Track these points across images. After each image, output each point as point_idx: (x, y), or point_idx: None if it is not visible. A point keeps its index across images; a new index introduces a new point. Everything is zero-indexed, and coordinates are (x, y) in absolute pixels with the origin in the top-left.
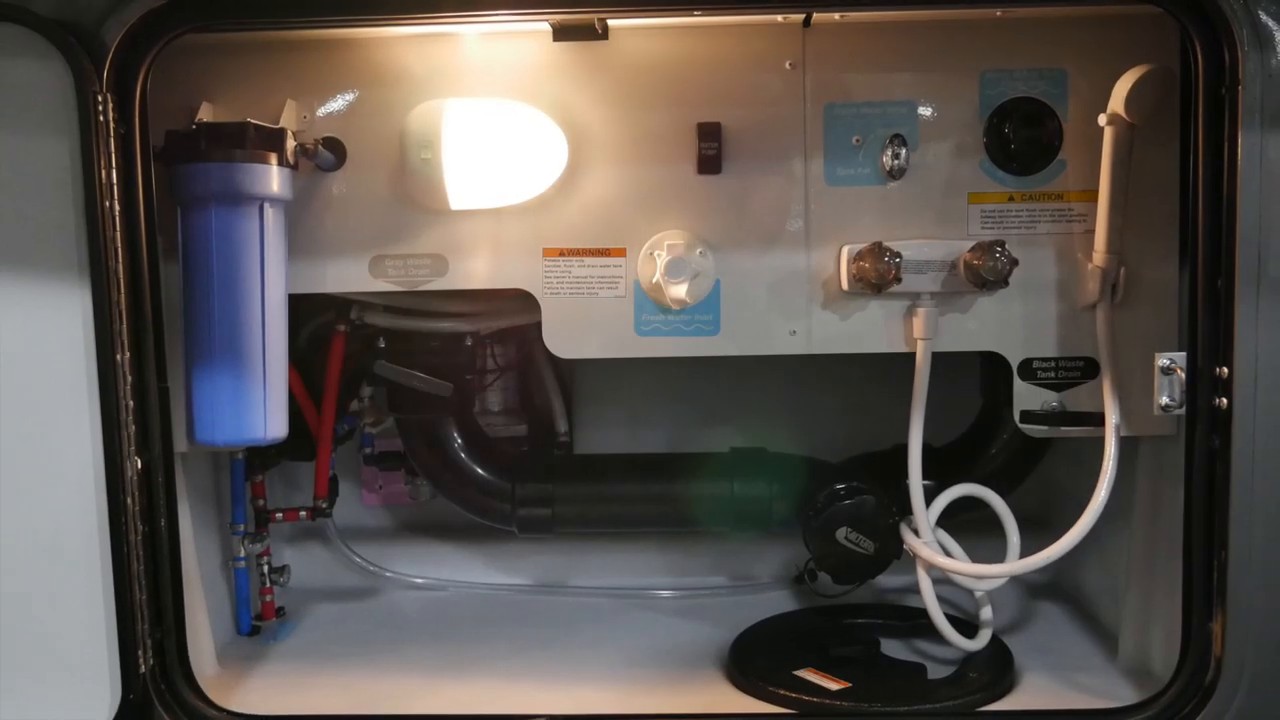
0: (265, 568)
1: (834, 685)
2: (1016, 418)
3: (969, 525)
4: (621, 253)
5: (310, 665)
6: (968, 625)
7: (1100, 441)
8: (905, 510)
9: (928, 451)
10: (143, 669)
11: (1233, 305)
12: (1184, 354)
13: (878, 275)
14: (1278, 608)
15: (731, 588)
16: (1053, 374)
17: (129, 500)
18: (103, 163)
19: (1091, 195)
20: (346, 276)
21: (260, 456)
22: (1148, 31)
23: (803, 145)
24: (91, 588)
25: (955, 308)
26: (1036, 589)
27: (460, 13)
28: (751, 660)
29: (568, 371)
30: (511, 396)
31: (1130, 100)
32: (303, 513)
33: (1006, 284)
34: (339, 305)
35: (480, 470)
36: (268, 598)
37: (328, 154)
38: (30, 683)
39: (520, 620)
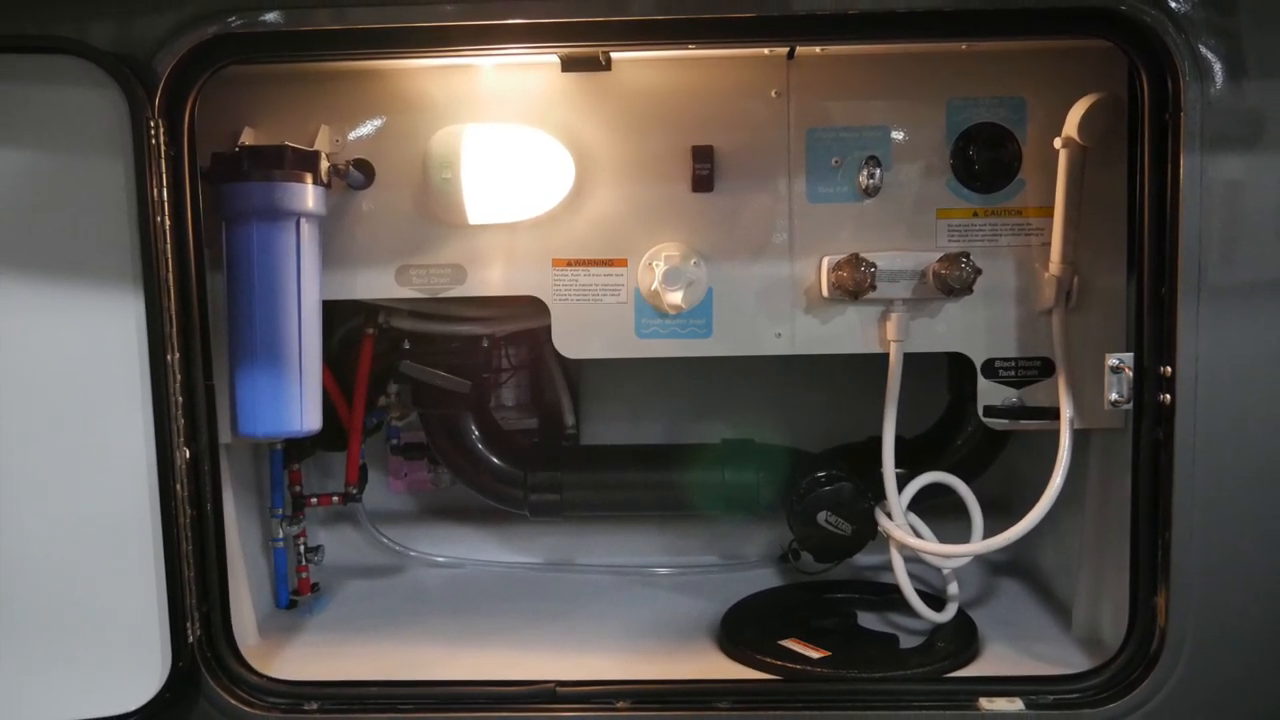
0: (301, 548)
1: (815, 654)
2: (980, 412)
3: (937, 509)
4: (623, 263)
5: (342, 636)
6: (936, 600)
7: (1056, 434)
8: (879, 495)
9: (900, 442)
10: (191, 639)
11: (1175, 311)
12: (1131, 355)
13: (855, 283)
14: (1216, 584)
15: (723, 566)
16: (1013, 372)
17: (178, 487)
18: (154, 182)
19: (1048, 211)
20: (375, 284)
21: (297, 447)
22: (1099, 63)
23: (787, 166)
24: (145, 566)
25: (925, 313)
26: (998, 567)
27: (477, 46)
28: (741, 631)
29: (575, 370)
30: (524, 393)
31: (1083, 125)
32: (335, 498)
33: (971, 291)
34: (368, 310)
35: (496, 460)
36: (304, 575)
37: (358, 174)
38: (90, 651)
39: (532, 595)
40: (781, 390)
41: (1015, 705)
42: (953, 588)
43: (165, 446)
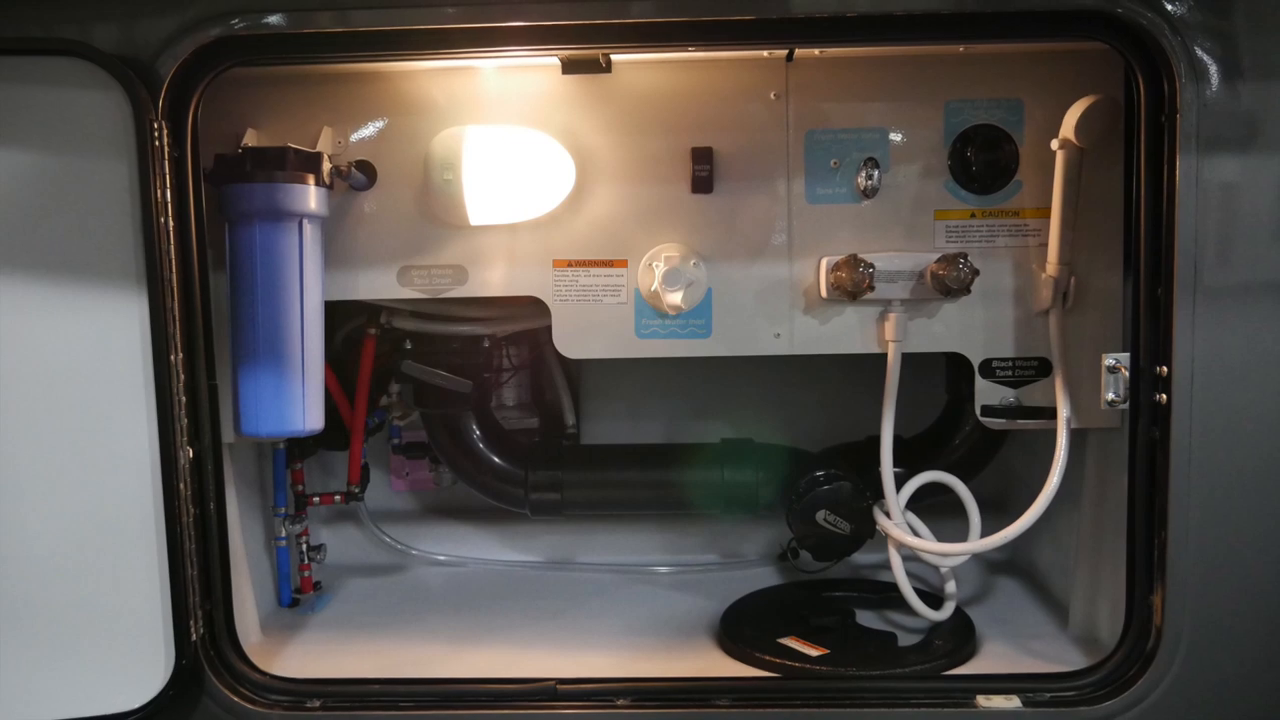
0: (304, 546)
1: (814, 651)
2: (977, 412)
3: (935, 508)
4: (623, 264)
5: (344, 634)
6: (934, 598)
7: (1052, 433)
8: (878, 494)
9: (898, 442)
10: (194, 637)
11: (1171, 311)
12: (1128, 355)
13: (853, 284)
14: (1212, 582)
15: (722, 564)
16: (1010, 373)
17: (182, 486)
18: (158, 183)
19: (1045, 212)
20: (377, 285)
21: (299, 446)
22: (1096, 65)
23: (786, 167)
24: (148, 564)
25: (923, 313)
26: (995, 565)
27: (479, 48)
28: (740, 629)
29: (575, 370)
30: (525, 392)
31: (1080, 127)
32: (338, 497)
33: (969, 292)
34: (370, 311)
35: (497, 459)
36: (306, 573)
37: (360, 175)
38: (95, 649)
39: (532, 593)
40: (780, 390)
41: (1012, 703)
42: (950, 586)
43: (169, 446)
